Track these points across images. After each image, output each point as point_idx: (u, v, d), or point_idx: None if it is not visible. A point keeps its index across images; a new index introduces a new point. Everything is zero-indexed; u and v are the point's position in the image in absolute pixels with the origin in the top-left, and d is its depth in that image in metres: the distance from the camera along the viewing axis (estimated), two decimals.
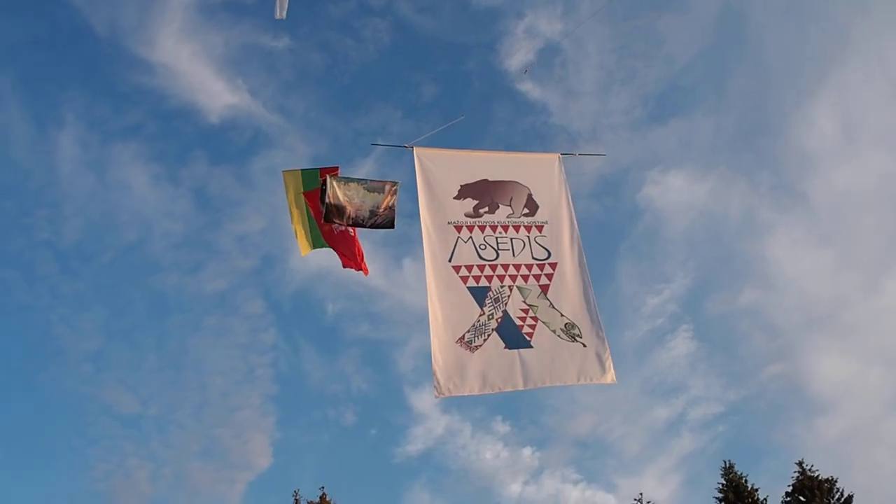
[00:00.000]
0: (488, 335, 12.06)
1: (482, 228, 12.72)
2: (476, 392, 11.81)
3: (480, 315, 12.16)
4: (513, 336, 12.13)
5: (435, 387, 11.59)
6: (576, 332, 12.36)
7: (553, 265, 12.77)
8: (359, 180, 13.26)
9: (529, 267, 12.64)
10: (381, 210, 13.12)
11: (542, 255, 12.78)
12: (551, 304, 12.45)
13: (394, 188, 13.02)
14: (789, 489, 30.29)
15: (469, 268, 12.42)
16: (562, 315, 12.41)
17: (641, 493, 32.17)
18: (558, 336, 12.22)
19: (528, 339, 12.16)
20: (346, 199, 13.01)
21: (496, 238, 12.68)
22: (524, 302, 12.36)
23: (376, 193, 13.15)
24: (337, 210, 13.01)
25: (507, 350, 12.03)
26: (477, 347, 11.97)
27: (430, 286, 12.11)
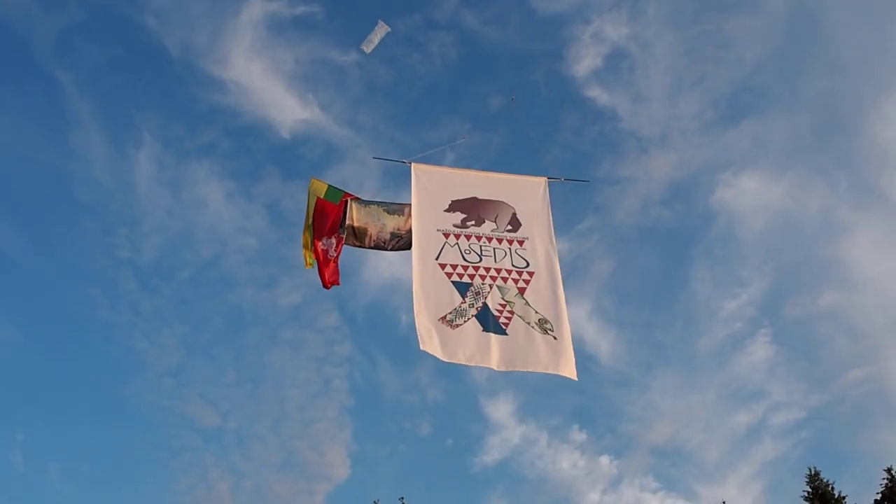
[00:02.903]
0: (468, 318, 13.57)
1: (468, 237, 14.43)
2: (455, 360, 13.25)
3: (462, 303, 13.71)
4: (490, 322, 13.63)
5: (419, 341, 13.17)
6: (548, 326, 13.84)
7: (531, 273, 14.39)
8: (379, 203, 14.58)
9: (509, 272, 14.26)
10: (403, 233, 14.46)
11: (522, 264, 14.43)
12: (527, 303, 14.01)
13: (412, 210, 14.37)
14: (878, 496, 29.69)
15: (454, 266, 14.06)
16: (536, 312, 13.93)
17: (724, 502, 33.14)
18: (532, 327, 13.76)
19: (503, 327, 13.66)
20: (367, 222, 14.38)
21: (480, 246, 14.38)
22: (502, 298, 13.93)
23: (396, 216, 14.50)
24: (358, 233, 14.38)
25: (484, 332, 13.51)
26: (458, 326, 13.48)
27: (416, 276, 13.75)
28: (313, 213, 14.93)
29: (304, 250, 15.02)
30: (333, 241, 14.83)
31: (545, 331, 14.07)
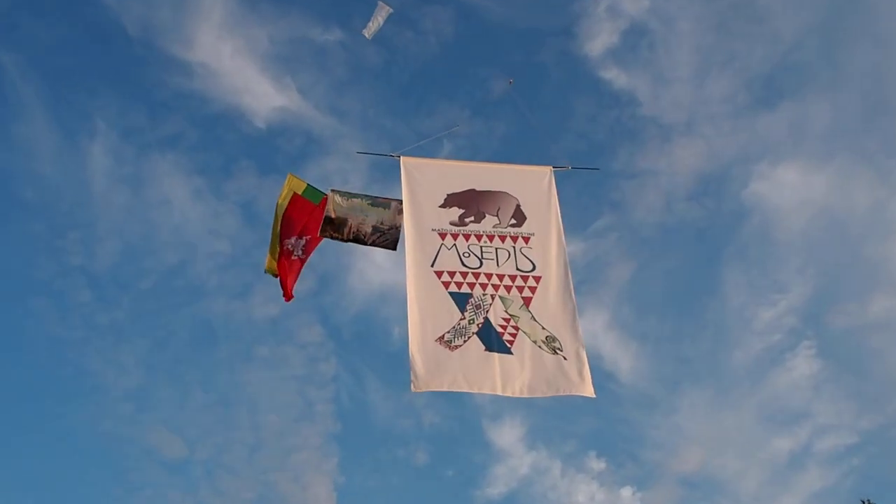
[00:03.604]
0: (469, 336, 12.14)
1: (467, 237, 12.88)
2: (456, 388, 11.89)
3: (461, 319, 12.24)
4: (494, 340, 12.21)
5: (412, 381, 11.67)
6: (556, 345, 12.41)
7: (537, 278, 12.86)
8: (364, 196, 13.25)
9: (513, 278, 12.76)
10: (387, 227, 13.19)
11: (527, 266, 12.91)
12: (533, 316, 12.51)
13: (401, 207, 13.06)
14: None
15: (451, 273, 12.53)
16: (543, 328, 12.47)
17: None
18: (539, 347, 12.32)
19: (508, 345, 12.22)
20: (348, 213, 13.11)
21: (481, 247, 12.83)
22: (506, 312, 12.44)
23: (382, 209, 13.25)
24: (336, 224, 13.06)
25: (487, 352, 12.11)
26: (457, 347, 12.05)
27: (410, 288, 12.26)
28: (286, 210, 13.51)
29: (270, 251, 13.64)
30: (303, 241, 13.41)
31: (554, 350, 12.51)
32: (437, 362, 11.97)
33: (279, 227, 13.48)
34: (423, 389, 11.82)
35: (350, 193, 13.34)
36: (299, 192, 13.53)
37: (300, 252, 13.34)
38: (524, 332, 12.51)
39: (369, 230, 13.30)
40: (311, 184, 13.58)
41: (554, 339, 12.56)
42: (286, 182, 13.64)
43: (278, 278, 13.41)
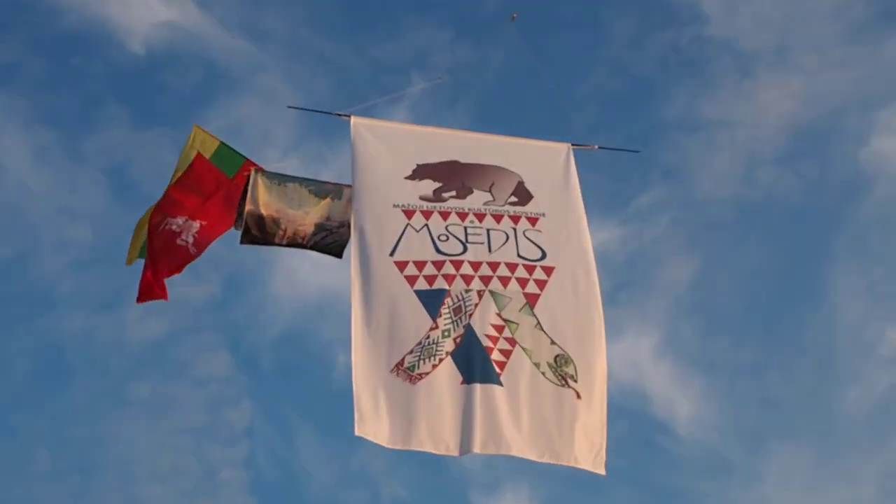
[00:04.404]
0: (439, 359, 8.40)
1: (444, 215, 9.18)
2: (416, 446, 8.23)
3: (432, 328, 8.50)
4: (475, 365, 8.45)
5: (356, 421, 8.03)
6: (569, 370, 8.60)
7: (548, 269, 9.06)
8: (303, 180, 9.85)
9: (512, 266, 8.95)
10: (336, 225, 9.79)
11: (534, 253, 9.13)
12: (539, 323, 8.70)
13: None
14: None
15: (420, 265, 8.79)
16: (552, 342, 8.67)
17: None
18: (542, 373, 8.50)
19: (496, 371, 8.45)
20: (280, 208, 9.66)
21: (465, 227, 9.12)
22: (498, 315, 8.63)
23: (330, 200, 9.80)
24: (265, 224, 9.59)
25: (463, 386, 8.37)
26: (421, 377, 8.29)
27: (355, 289, 8.53)
28: (181, 176, 9.81)
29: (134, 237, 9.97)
30: (196, 227, 9.57)
31: (563, 379, 8.64)
32: (392, 405, 8.19)
33: (164, 201, 9.88)
34: (367, 437, 8.05)
35: (284, 177, 9.79)
36: (206, 155, 9.87)
37: (189, 240, 9.58)
38: (523, 349, 8.72)
39: (310, 230, 9.80)
40: (228, 145, 9.94)
41: (566, 361, 8.73)
42: (191, 136, 10.02)
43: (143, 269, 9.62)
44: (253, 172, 9.65)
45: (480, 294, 8.81)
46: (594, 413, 8.55)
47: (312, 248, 9.91)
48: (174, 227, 9.47)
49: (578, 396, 8.57)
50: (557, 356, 8.73)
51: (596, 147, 10.28)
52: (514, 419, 8.35)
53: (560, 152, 10.14)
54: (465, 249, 8.94)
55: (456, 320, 8.67)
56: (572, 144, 10.19)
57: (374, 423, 8.05)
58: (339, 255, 10.04)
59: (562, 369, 8.70)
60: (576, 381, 8.65)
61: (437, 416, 8.19)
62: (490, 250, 9.03)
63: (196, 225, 9.53)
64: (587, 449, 8.43)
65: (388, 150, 9.55)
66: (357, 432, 7.98)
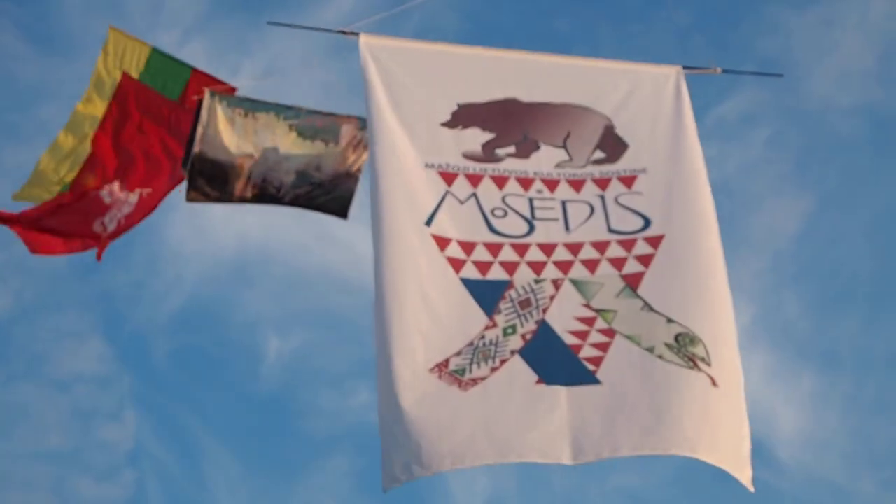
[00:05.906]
0: (501, 361, 5.99)
1: (500, 181, 6.75)
2: (464, 465, 5.63)
3: (488, 327, 6.12)
4: (556, 366, 5.99)
5: (383, 471, 5.49)
6: (697, 351, 5.95)
7: (654, 240, 6.56)
8: (281, 109, 7.10)
9: (602, 246, 6.49)
10: (328, 176, 7.24)
11: (633, 224, 6.66)
12: (647, 304, 6.16)
13: (361, 131, 7.17)
14: None
15: (468, 247, 6.43)
16: (669, 320, 6.12)
17: None
18: (658, 357, 5.89)
19: (590, 369, 5.95)
20: (243, 146, 6.94)
21: (530, 199, 6.69)
22: (587, 306, 6.17)
23: (320, 142, 7.19)
24: (223, 170, 6.89)
25: (540, 386, 5.93)
26: (475, 382, 5.87)
27: (381, 273, 6.12)
28: (106, 113, 7.13)
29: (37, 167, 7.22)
30: (135, 197, 7.11)
31: (689, 360, 6.01)
32: (434, 417, 5.74)
33: (90, 144, 7.20)
34: (397, 485, 5.55)
35: (254, 102, 7.01)
36: (133, 73, 7.23)
37: (111, 227, 7.12)
38: (627, 338, 6.04)
39: (291, 179, 7.10)
40: (164, 52, 7.32)
41: (693, 341, 6.00)
42: (106, 43, 7.28)
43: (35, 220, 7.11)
44: (208, 95, 6.91)
45: (557, 284, 6.31)
46: (736, 409, 5.97)
47: (293, 202, 7.24)
48: (106, 198, 7.12)
49: (714, 384, 5.86)
50: (679, 335, 6.02)
51: (719, 70, 7.56)
52: (623, 416, 5.80)
53: (667, 79, 7.47)
54: (532, 229, 6.49)
55: (524, 315, 6.17)
56: (683, 67, 7.49)
57: (405, 457, 5.49)
58: (342, 214, 7.47)
59: (687, 349, 5.97)
60: (709, 364, 5.92)
61: (500, 421, 5.66)
62: (568, 228, 6.55)
63: (133, 198, 7.15)
64: (732, 451, 5.81)
65: (416, 82, 7.02)
66: (384, 486, 5.44)
